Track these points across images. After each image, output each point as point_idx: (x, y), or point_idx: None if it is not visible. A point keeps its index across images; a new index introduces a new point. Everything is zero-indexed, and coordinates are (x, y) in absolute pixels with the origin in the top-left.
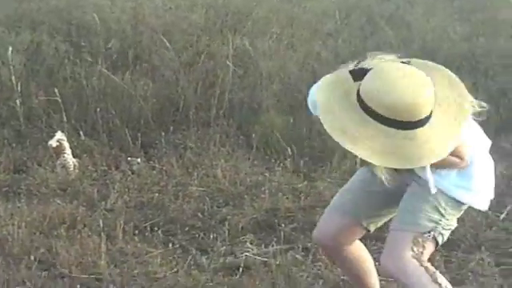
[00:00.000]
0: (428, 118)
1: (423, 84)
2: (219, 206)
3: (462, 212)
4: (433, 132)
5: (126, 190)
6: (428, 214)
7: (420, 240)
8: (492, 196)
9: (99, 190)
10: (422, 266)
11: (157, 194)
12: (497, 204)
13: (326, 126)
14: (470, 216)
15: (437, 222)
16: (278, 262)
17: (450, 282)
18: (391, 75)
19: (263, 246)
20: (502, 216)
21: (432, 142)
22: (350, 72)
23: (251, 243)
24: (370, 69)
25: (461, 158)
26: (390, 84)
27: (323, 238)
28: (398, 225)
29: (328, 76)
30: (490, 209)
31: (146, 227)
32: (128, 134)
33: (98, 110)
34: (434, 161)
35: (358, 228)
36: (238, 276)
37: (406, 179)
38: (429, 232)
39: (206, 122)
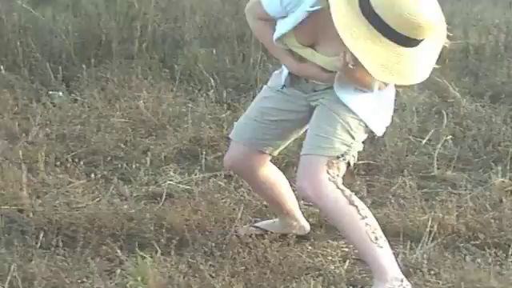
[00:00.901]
0: (422, 40)
1: (437, 5)
2: (142, 136)
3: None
4: (422, 54)
5: (48, 122)
6: (340, 137)
7: (334, 163)
8: (389, 123)
9: (20, 123)
10: (338, 188)
11: (79, 126)
12: (419, 129)
13: (336, 22)
14: (392, 141)
15: (349, 146)
16: (200, 190)
17: (372, 205)
18: None
19: (186, 174)
20: (424, 141)
21: (422, 63)
22: None
23: (174, 172)
24: None
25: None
26: None
27: (231, 165)
28: (311, 149)
29: None
30: (412, 134)
31: (67, 159)
32: (49, 68)
33: (19, 44)
34: (420, 81)
35: (263, 155)
36: (160, 204)
37: (312, 97)
38: (342, 155)
39: (129, 55)
